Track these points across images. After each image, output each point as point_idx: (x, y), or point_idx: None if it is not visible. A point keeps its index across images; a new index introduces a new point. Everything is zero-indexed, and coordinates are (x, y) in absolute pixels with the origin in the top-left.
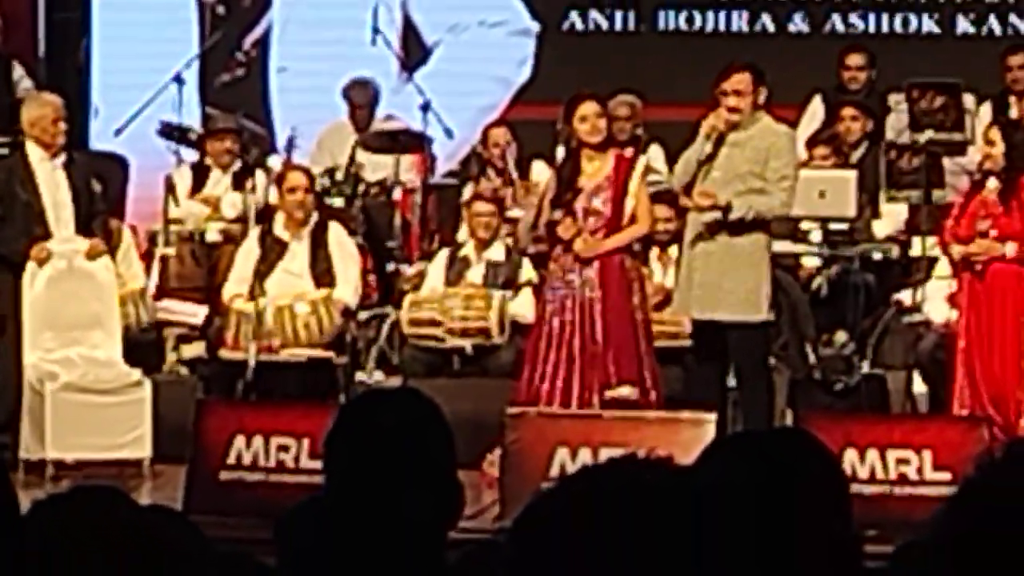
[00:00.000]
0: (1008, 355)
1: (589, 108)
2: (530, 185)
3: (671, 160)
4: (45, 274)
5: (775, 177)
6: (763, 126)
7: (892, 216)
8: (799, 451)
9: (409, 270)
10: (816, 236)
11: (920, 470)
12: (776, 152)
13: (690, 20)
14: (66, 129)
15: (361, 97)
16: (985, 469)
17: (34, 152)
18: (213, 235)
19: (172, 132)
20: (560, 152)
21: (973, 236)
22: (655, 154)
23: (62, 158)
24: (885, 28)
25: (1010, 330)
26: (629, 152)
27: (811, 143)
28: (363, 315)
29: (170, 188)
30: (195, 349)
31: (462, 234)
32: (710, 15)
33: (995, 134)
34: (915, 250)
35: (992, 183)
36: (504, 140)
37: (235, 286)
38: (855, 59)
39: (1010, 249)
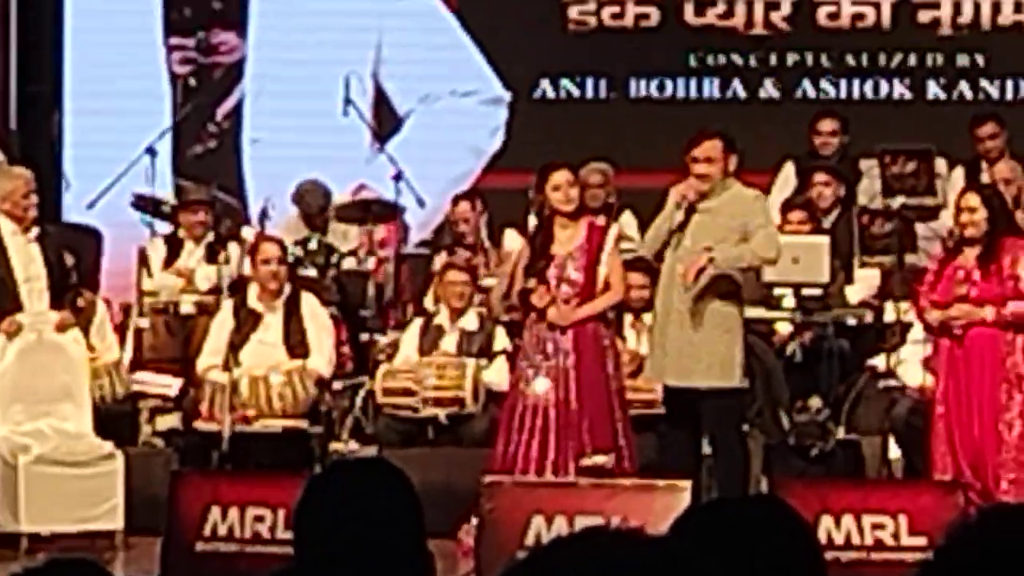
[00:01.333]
0: (986, 420)
1: (561, 177)
2: (502, 254)
3: (644, 227)
4: (15, 347)
5: (755, 228)
6: (734, 193)
7: (865, 281)
8: (772, 520)
9: (383, 339)
10: (789, 302)
11: (896, 535)
12: (752, 214)
13: (661, 87)
14: (37, 202)
15: (315, 200)
16: (958, 535)
17: (5, 226)
18: (187, 307)
19: (145, 204)
20: (532, 220)
21: (951, 301)
22: (627, 221)
23: (35, 231)
24: (856, 94)
25: (988, 395)
26: (602, 220)
27: (784, 208)
28: (337, 385)
29: (143, 260)
30: (170, 420)
31: (428, 301)
32: (681, 82)
33: (974, 200)
34: (889, 315)
35: (971, 248)
36: (472, 212)
37: (210, 357)
38: (827, 124)
39: (989, 313)
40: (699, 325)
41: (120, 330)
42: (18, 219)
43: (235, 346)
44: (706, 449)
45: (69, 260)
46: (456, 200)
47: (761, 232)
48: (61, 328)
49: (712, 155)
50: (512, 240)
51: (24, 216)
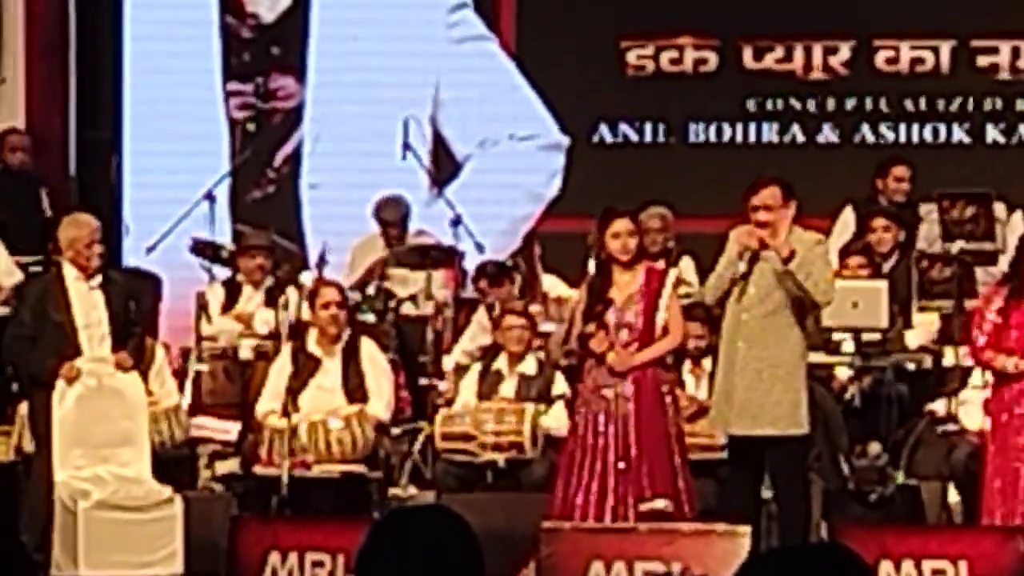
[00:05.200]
0: None
1: (622, 225)
2: (562, 299)
3: (702, 272)
4: (74, 392)
5: (813, 272)
6: (795, 238)
7: (924, 326)
8: (838, 567)
9: (441, 385)
10: (848, 347)
11: None
12: (811, 259)
13: (719, 132)
14: (101, 252)
15: (392, 214)
16: None
17: (69, 272)
18: (246, 352)
19: (204, 249)
20: (591, 265)
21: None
22: (686, 266)
23: (99, 279)
24: (915, 138)
25: None
26: (660, 265)
27: (843, 253)
28: (396, 430)
29: (202, 305)
30: (229, 465)
31: (467, 340)
32: (740, 127)
33: None
34: (948, 359)
35: None
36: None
37: (268, 402)
38: (900, 171)
39: None
40: (766, 373)
41: (179, 375)
42: (81, 267)
43: (294, 391)
44: (766, 494)
45: (131, 307)
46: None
47: (818, 275)
48: (120, 366)
49: (771, 203)
50: (551, 284)
51: (87, 264)
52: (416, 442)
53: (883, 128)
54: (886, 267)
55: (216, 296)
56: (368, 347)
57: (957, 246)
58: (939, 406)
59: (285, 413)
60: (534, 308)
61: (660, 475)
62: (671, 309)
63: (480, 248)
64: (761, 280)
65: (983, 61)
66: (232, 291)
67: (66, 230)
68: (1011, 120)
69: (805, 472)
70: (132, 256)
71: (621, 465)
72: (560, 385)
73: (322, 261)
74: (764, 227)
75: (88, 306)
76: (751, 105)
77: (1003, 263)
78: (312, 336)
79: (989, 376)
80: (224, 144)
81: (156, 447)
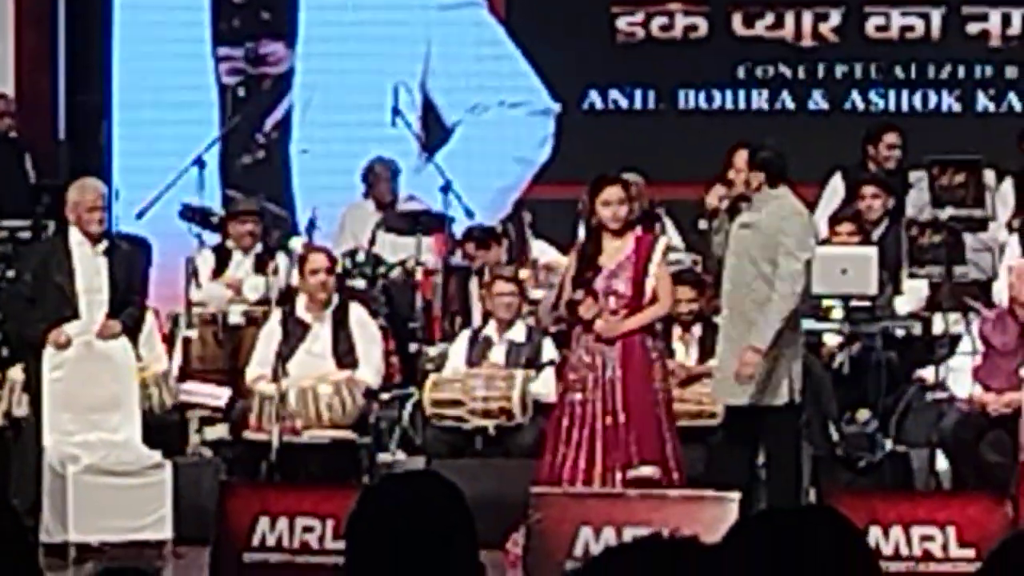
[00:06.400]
0: None
1: (612, 193)
2: (551, 265)
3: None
4: (64, 357)
5: (781, 254)
6: (777, 206)
7: (914, 293)
8: (827, 530)
9: (431, 351)
10: (838, 313)
11: (945, 547)
12: (783, 236)
13: (709, 98)
14: (102, 217)
15: (384, 170)
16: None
17: (75, 236)
18: (235, 317)
19: (193, 215)
20: (581, 231)
21: None
22: (670, 231)
23: (104, 244)
24: (905, 105)
25: None
26: (650, 233)
27: (833, 220)
28: (385, 396)
29: (192, 271)
30: (218, 431)
31: (476, 312)
32: (729, 93)
33: None
34: (937, 327)
35: None
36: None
37: (258, 368)
38: (891, 138)
39: None
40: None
41: (168, 340)
42: (85, 231)
43: (283, 357)
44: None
45: (134, 277)
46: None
47: (783, 261)
48: (104, 335)
49: (740, 165)
50: (540, 250)
51: (88, 229)
52: (406, 408)
53: (873, 95)
54: (875, 234)
55: (206, 262)
56: (358, 313)
57: (947, 213)
58: (928, 373)
59: (275, 379)
60: (523, 274)
61: (648, 442)
62: (660, 277)
63: (470, 214)
64: (739, 248)
65: (973, 28)
66: (222, 257)
67: (71, 194)
68: (1001, 87)
69: (796, 442)
70: (122, 221)
71: (608, 420)
72: (549, 351)
73: (312, 227)
74: (732, 186)
75: (91, 271)
76: (741, 72)
77: (993, 230)
78: (302, 302)
79: (979, 344)
80: (214, 109)
81: (146, 412)
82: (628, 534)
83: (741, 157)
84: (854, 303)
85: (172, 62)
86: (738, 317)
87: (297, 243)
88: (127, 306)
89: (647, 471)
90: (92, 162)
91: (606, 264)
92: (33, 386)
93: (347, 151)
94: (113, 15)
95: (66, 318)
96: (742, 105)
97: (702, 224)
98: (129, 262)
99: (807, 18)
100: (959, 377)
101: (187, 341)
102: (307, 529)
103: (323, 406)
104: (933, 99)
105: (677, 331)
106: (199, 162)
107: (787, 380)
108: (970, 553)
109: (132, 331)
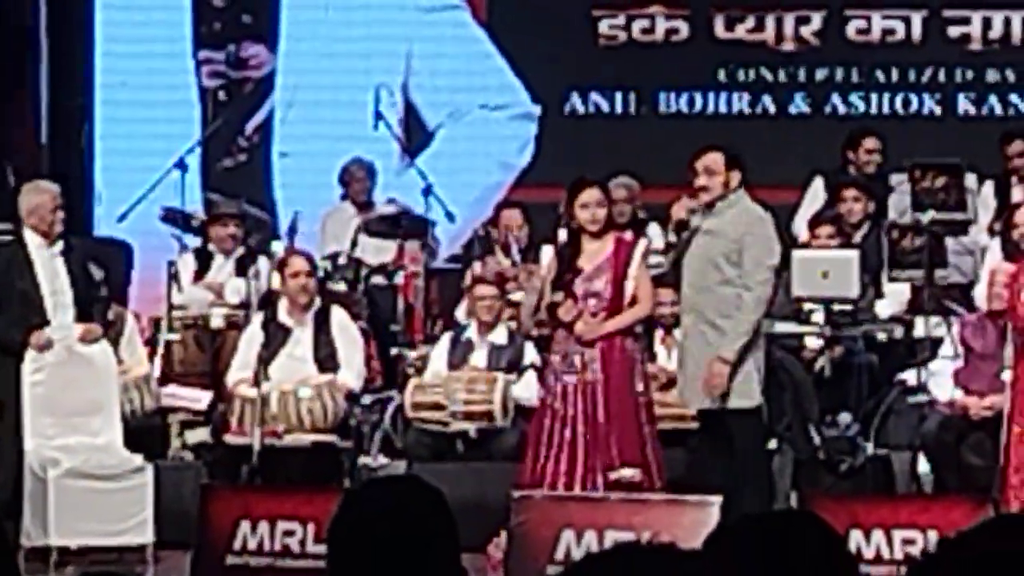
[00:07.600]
0: None
1: (590, 196)
2: (534, 269)
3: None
4: (44, 360)
5: (752, 267)
6: (739, 211)
7: (895, 296)
8: (807, 534)
9: (412, 354)
10: (819, 317)
11: (926, 550)
12: (748, 240)
13: (691, 102)
14: (63, 217)
15: (359, 170)
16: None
17: (32, 240)
18: (217, 321)
19: (175, 218)
20: (562, 234)
21: None
22: (654, 234)
23: (60, 245)
24: (886, 109)
25: None
26: (629, 235)
27: (813, 223)
28: (367, 399)
29: (173, 274)
30: (199, 435)
31: (460, 313)
32: (711, 97)
33: None
34: (918, 330)
35: None
36: (516, 223)
37: (239, 372)
38: (871, 143)
39: None
40: (705, 351)
41: (149, 344)
42: (44, 233)
43: (264, 360)
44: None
45: (97, 273)
46: (504, 206)
47: (752, 269)
48: (86, 339)
49: (713, 168)
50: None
51: (50, 231)
52: (387, 411)
53: (854, 98)
54: (857, 237)
55: (187, 265)
56: (339, 316)
57: (928, 216)
58: (909, 376)
59: (256, 382)
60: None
61: (628, 444)
62: (640, 279)
63: (451, 217)
64: (699, 254)
65: (954, 32)
66: (203, 260)
67: (28, 197)
68: (982, 91)
69: (762, 444)
70: (104, 224)
71: (589, 423)
72: (531, 354)
73: (292, 230)
74: (702, 191)
75: (51, 273)
76: (722, 75)
77: (974, 233)
78: (283, 305)
79: (960, 347)
80: (195, 112)
81: (126, 416)
82: (610, 538)
83: (714, 160)
84: (835, 306)
85: (154, 65)
86: (701, 321)
87: (278, 246)
88: (93, 304)
89: (628, 473)
90: (74, 165)
91: (585, 266)
92: (7, 391)
93: (329, 154)
94: (95, 17)
95: (36, 324)
96: (723, 108)
97: (671, 237)
98: (84, 259)
99: (788, 21)
100: (940, 380)
101: (168, 344)
102: (288, 533)
103: (304, 410)
104: (914, 102)
105: (659, 334)
106: (180, 165)
107: (755, 383)
108: None
109: (106, 332)
